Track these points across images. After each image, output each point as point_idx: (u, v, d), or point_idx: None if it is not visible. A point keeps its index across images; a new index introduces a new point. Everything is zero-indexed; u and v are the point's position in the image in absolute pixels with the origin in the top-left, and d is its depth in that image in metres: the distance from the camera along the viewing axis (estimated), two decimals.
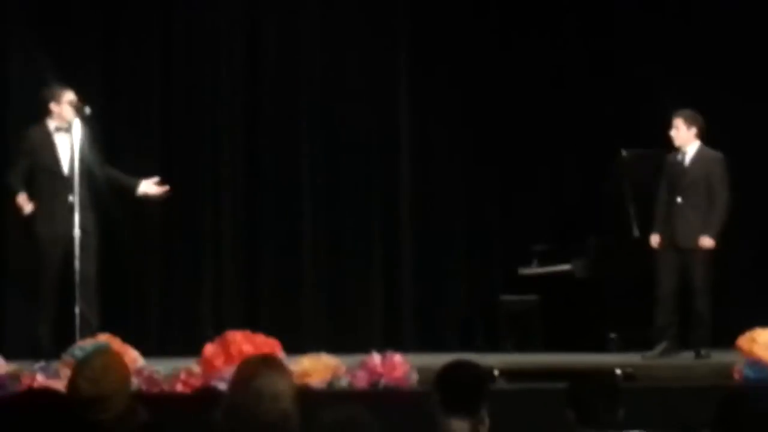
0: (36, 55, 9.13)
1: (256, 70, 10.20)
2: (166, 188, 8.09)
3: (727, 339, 7.73)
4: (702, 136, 8.34)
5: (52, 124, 7.79)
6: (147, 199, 8.17)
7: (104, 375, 3.66)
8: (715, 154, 8.34)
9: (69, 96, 7.77)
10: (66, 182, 7.63)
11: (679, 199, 8.28)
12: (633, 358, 8.00)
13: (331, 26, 10.33)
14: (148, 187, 8.05)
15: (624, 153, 9.82)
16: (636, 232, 9.50)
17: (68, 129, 7.73)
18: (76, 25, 9.68)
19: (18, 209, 7.70)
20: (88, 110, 7.66)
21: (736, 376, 6.81)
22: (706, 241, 8.14)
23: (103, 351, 4.15)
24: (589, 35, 10.72)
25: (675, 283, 8.26)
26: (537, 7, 10.66)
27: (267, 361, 3.53)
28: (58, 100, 7.77)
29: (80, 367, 3.70)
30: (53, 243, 7.63)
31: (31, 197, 7.68)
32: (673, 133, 8.32)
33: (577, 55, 10.77)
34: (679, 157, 8.37)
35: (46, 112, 7.82)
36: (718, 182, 8.25)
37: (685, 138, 8.31)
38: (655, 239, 8.39)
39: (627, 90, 10.33)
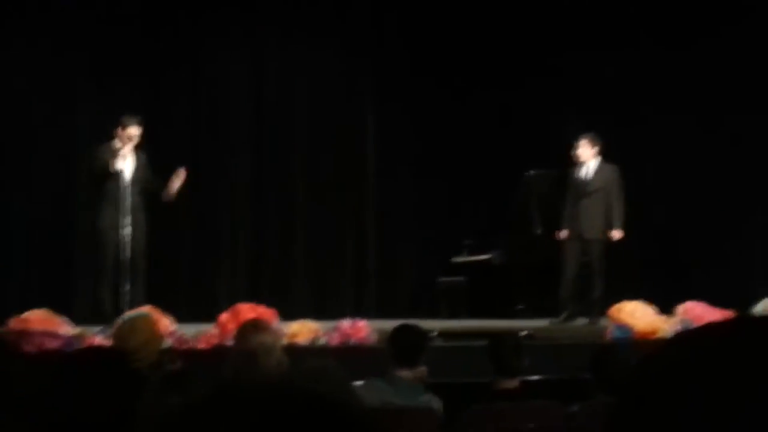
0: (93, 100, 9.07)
1: (260, 108, 10.18)
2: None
3: (600, 309, 7.76)
4: (601, 152, 8.19)
5: (118, 143, 7.49)
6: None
7: (130, 335, 3.63)
8: (612, 167, 8.17)
9: (131, 129, 7.50)
10: (126, 189, 7.40)
11: (584, 202, 8.08)
12: (535, 323, 7.96)
13: (315, 70, 10.29)
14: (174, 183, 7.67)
15: (530, 172, 9.82)
16: (538, 230, 9.52)
17: (131, 150, 7.52)
18: (124, 77, 9.61)
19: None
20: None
21: (607, 336, 6.82)
22: (617, 233, 8.00)
23: (134, 317, 4.10)
24: (513, 83, 10.64)
25: (576, 267, 8.12)
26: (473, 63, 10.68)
27: (257, 325, 3.51)
28: (123, 127, 7.49)
29: (115, 330, 3.68)
30: (111, 235, 7.41)
31: (104, 196, 7.45)
32: (579, 151, 8.13)
33: (506, 95, 10.67)
34: (584, 170, 8.17)
35: (114, 134, 7.53)
36: (616, 188, 8.09)
37: (589, 155, 8.13)
38: (563, 233, 8.21)
39: (542, 121, 10.29)
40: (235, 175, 10.00)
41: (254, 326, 3.44)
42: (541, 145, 9.99)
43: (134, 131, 7.55)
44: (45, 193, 9.28)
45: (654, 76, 9.78)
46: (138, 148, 7.62)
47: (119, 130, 7.53)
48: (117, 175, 7.41)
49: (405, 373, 3.87)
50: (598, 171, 8.15)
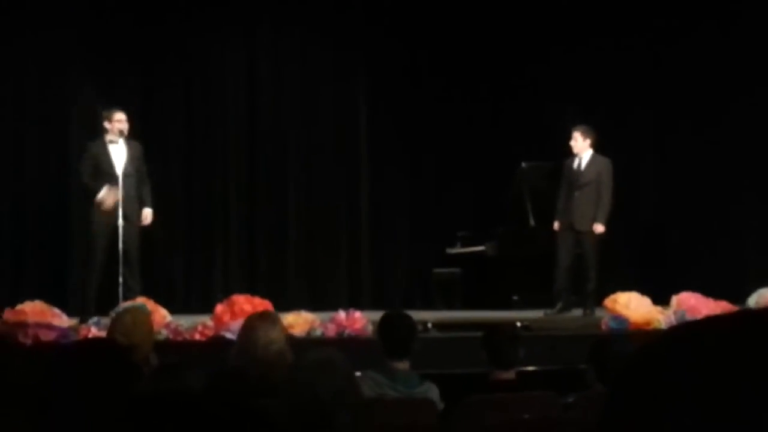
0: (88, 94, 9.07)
1: (253, 101, 10.15)
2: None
3: (595, 300, 7.76)
4: (594, 145, 8.14)
5: (107, 137, 7.51)
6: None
7: (133, 329, 3.62)
8: (605, 159, 8.11)
9: (118, 116, 7.51)
10: (116, 181, 7.38)
11: (576, 194, 8.04)
12: (529, 314, 7.95)
13: (308, 67, 10.29)
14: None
15: (523, 165, 9.82)
16: (532, 222, 9.52)
17: (125, 141, 7.47)
18: (120, 70, 9.61)
19: (99, 203, 7.35)
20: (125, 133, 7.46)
21: (603, 327, 6.82)
22: (599, 227, 7.95)
23: (133, 310, 4.10)
24: (505, 77, 10.65)
25: (570, 258, 8.08)
26: (462, 57, 10.66)
27: (263, 315, 3.53)
28: (110, 119, 7.52)
29: (115, 323, 3.67)
30: (102, 230, 7.41)
31: (97, 189, 7.39)
32: (572, 143, 8.08)
33: (497, 89, 10.70)
34: (576, 161, 8.12)
35: (103, 128, 7.53)
36: (605, 181, 8.02)
37: (582, 147, 8.06)
38: (556, 224, 8.19)
39: (533, 114, 10.28)
40: (229, 166, 9.99)
41: (260, 317, 3.46)
42: (535, 136, 10.01)
43: (119, 117, 7.48)
44: (38, 184, 9.26)
45: (648, 68, 9.79)
46: (130, 138, 7.55)
47: (107, 124, 7.50)
48: (108, 169, 7.39)
49: (401, 365, 3.84)
50: (591, 163, 8.12)
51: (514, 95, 10.57)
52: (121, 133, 7.46)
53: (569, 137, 8.17)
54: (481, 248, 9.69)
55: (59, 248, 9.19)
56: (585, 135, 8.11)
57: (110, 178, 7.41)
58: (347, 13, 10.39)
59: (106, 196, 7.34)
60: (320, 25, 10.29)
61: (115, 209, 7.29)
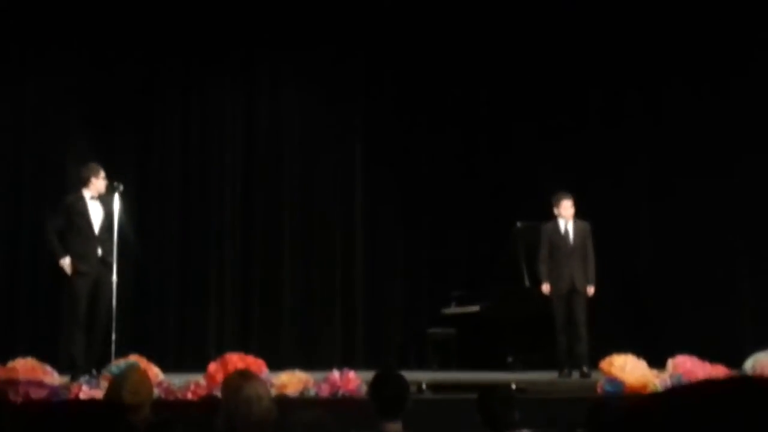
0: (86, 145, 9.13)
1: (250, 156, 10.23)
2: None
3: (592, 362, 7.74)
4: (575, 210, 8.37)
5: (87, 193, 7.46)
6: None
7: (140, 387, 3.62)
8: (585, 223, 8.34)
9: (103, 173, 7.48)
10: (96, 240, 7.34)
11: (569, 257, 8.20)
12: (525, 375, 7.93)
13: (305, 120, 10.37)
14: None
15: (518, 224, 9.87)
16: (527, 283, 9.53)
17: (100, 198, 7.43)
18: (118, 126, 9.68)
19: (61, 267, 7.37)
20: (121, 187, 7.44)
21: (599, 390, 6.80)
22: (591, 289, 8.15)
23: (135, 368, 4.09)
24: (500, 138, 10.77)
25: (566, 320, 8.18)
26: (461, 117, 10.77)
27: (244, 374, 3.51)
28: (97, 175, 7.49)
29: (121, 381, 3.66)
30: (84, 286, 7.31)
31: (68, 249, 7.32)
32: (567, 210, 8.28)
33: (490, 152, 10.84)
34: (563, 225, 8.30)
35: (85, 184, 7.46)
36: (590, 244, 8.26)
37: (570, 213, 8.29)
38: (546, 287, 8.29)
39: (525, 177, 10.40)
40: (223, 222, 10.01)
41: (241, 376, 3.44)
42: (530, 197, 10.08)
43: (103, 174, 7.46)
44: (33, 239, 9.26)
45: (643, 130, 9.90)
46: (107, 195, 7.44)
47: (93, 179, 7.45)
48: (83, 225, 7.34)
49: (393, 428, 3.82)
50: (576, 227, 8.33)
51: (512, 153, 10.65)
52: (116, 188, 7.45)
53: (560, 203, 8.27)
54: (475, 308, 9.68)
55: (51, 304, 9.16)
56: (572, 200, 8.34)
57: (86, 236, 7.34)
58: (346, 67, 10.50)
59: (68, 267, 7.32)
60: (318, 79, 10.38)
61: (97, 267, 7.26)
